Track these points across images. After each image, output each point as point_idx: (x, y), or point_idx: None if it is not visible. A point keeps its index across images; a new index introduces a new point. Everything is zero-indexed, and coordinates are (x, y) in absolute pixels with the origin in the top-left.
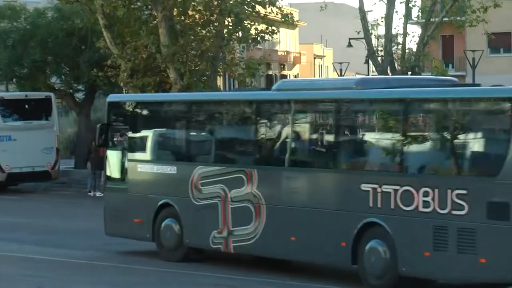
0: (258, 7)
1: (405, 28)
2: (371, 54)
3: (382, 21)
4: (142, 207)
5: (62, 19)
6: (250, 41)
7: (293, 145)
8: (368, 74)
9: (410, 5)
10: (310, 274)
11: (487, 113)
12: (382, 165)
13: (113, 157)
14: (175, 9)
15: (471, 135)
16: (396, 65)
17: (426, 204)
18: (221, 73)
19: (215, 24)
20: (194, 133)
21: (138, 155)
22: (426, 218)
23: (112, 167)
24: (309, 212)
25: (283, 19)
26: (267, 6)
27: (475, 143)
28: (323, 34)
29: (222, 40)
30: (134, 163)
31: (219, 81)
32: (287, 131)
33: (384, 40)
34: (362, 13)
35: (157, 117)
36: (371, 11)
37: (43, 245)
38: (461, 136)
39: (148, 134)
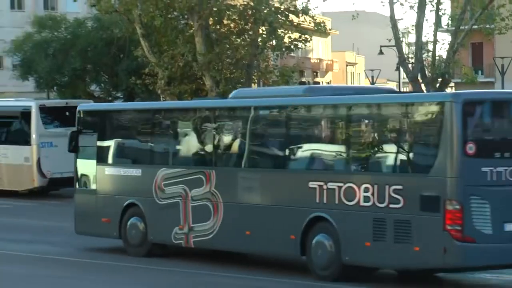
0: (292, 16)
1: (435, 35)
2: (402, 61)
3: (412, 29)
4: (109, 207)
5: (101, 28)
6: (283, 49)
7: (248, 148)
8: (399, 81)
9: (440, 13)
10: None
11: (419, 116)
12: (328, 165)
13: (82, 161)
14: (211, 19)
15: (405, 136)
16: (426, 72)
17: (366, 199)
18: (256, 80)
19: (250, 32)
20: (157, 138)
21: (105, 159)
22: (367, 211)
23: (82, 171)
24: (262, 209)
25: (316, 28)
26: (300, 15)
27: (409, 143)
28: (355, 42)
29: (256, 48)
30: (102, 167)
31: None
32: (242, 135)
33: (414, 47)
34: (393, 21)
35: (123, 124)
36: (402, 19)
37: (83, 247)
38: (397, 137)
39: (115, 139)
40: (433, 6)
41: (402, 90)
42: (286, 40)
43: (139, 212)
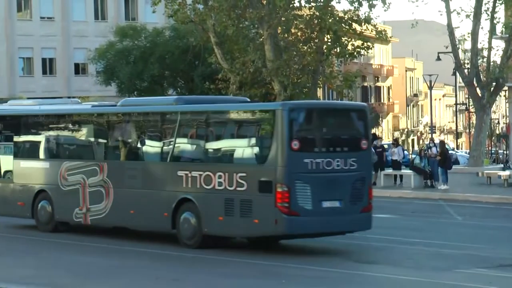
0: (355, 25)
1: (490, 42)
2: (459, 66)
3: (468, 37)
4: (23, 193)
5: (178, 37)
6: (347, 55)
7: (132, 145)
8: (456, 85)
9: (495, 21)
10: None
11: (258, 120)
12: (192, 157)
13: (1, 156)
14: (279, 28)
15: (248, 135)
16: (481, 76)
17: (220, 183)
18: (321, 85)
19: (316, 40)
20: (62, 137)
21: (20, 154)
22: (220, 193)
23: (1, 164)
24: (142, 192)
25: (377, 36)
26: (363, 24)
27: (251, 141)
28: (414, 49)
29: (322, 55)
30: (18, 160)
31: (319, 93)
32: (127, 134)
33: (470, 53)
34: (450, 29)
35: (33, 126)
36: (459, 27)
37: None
38: (242, 136)
39: (28, 138)
40: (488, 15)
41: (457, 93)
42: (350, 47)
43: (47, 196)
